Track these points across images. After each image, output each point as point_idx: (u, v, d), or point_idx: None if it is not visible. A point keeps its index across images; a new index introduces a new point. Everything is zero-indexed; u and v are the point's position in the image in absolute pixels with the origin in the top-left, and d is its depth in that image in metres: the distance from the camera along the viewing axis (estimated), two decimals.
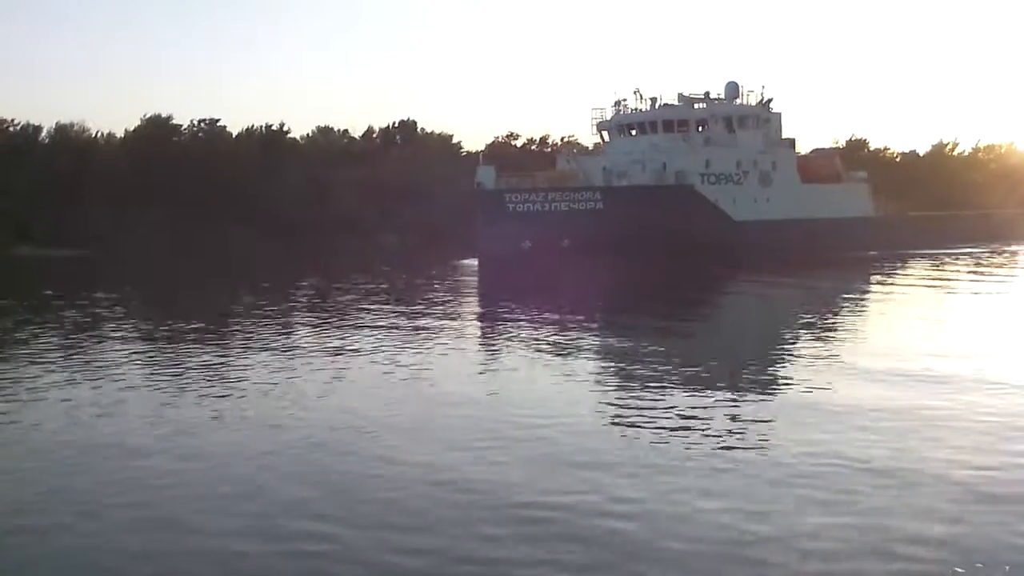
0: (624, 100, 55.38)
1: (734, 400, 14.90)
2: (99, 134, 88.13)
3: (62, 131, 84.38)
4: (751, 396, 15.27)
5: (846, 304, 31.60)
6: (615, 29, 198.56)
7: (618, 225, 47.84)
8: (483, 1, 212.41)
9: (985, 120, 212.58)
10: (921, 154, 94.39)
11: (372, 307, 29.87)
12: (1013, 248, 58.63)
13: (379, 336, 22.32)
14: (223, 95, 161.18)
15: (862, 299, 33.70)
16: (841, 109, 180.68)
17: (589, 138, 69.78)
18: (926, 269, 44.40)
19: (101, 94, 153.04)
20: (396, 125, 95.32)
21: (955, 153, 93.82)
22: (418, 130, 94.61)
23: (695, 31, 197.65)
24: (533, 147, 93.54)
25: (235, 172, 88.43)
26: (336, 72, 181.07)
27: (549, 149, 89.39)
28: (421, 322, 25.41)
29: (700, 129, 53.93)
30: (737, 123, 54.09)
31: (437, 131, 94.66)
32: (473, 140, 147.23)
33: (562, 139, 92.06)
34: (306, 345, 21.01)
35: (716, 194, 52.50)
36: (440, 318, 26.81)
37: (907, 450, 11.48)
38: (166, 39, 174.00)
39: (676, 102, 55.38)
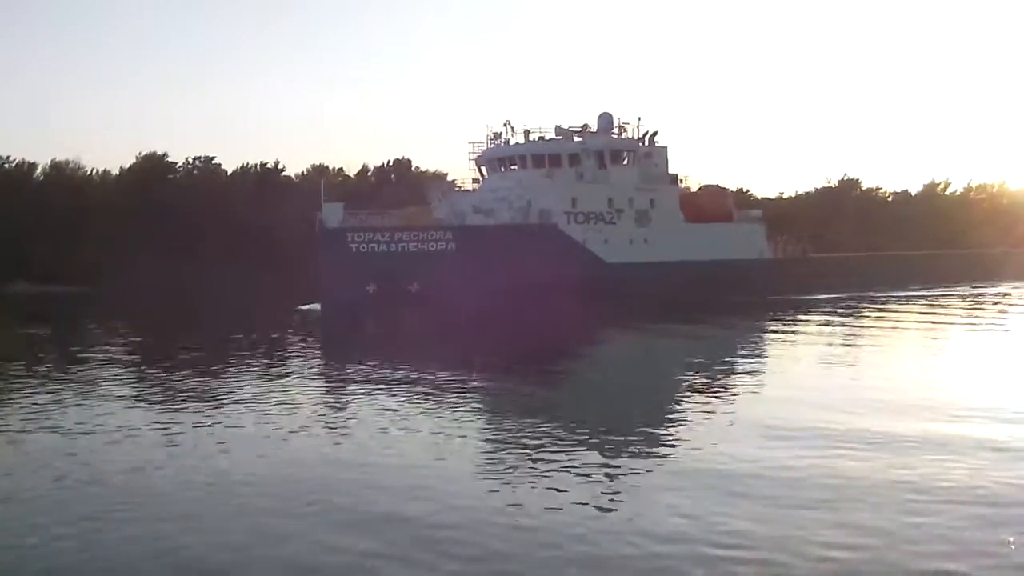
0: (499, 133, 52.20)
1: (607, 460, 12.86)
2: (94, 171, 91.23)
3: (57, 168, 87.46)
4: (624, 457, 13.10)
5: (722, 354, 27.50)
6: (619, 67, 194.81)
7: (472, 268, 44.97)
8: (477, 37, 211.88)
9: (977, 159, 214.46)
10: (913, 193, 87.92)
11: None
12: (923, 292, 51.64)
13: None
14: (218, 133, 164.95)
15: (742, 348, 29.43)
16: (835, 149, 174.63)
17: None
18: (821, 315, 39.34)
19: (96, 131, 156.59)
20: (391, 163, 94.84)
21: (947, 192, 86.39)
22: (412, 168, 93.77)
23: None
24: None
25: (230, 209, 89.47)
26: (330, 111, 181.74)
27: None
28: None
29: (575, 164, 50.17)
30: (610, 158, 49.94)
31: (432, 169, 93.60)
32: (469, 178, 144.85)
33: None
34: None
35: (584, 234, 48.67)
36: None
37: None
38: (161, 77, 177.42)
39: (555, 135, 51.88)
